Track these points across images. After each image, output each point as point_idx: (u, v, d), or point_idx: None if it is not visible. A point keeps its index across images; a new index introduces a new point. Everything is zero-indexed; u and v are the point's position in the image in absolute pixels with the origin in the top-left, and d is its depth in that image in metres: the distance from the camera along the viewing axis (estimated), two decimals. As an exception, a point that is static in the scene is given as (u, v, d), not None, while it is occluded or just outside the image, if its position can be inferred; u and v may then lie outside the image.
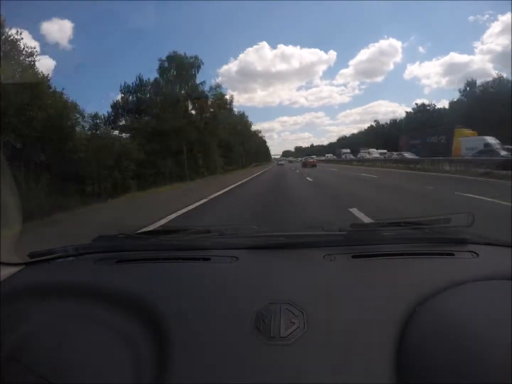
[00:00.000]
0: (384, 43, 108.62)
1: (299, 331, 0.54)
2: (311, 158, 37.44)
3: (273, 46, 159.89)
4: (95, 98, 43.18)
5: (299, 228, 1.46)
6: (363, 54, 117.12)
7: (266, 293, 0.64)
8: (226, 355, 0.51)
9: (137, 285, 0.71)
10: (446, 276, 0.69)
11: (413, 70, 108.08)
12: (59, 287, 0.74)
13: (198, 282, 0.74)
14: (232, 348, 0.53)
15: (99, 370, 0.52)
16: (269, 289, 0.67)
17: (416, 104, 45.48)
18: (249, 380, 0.48)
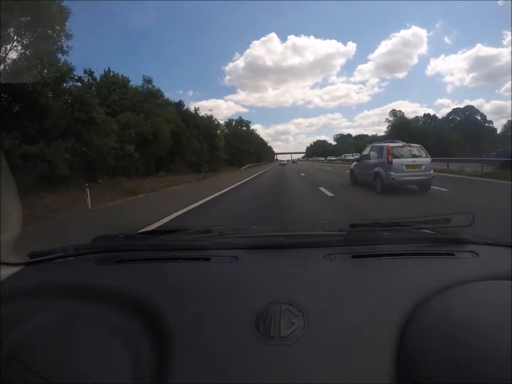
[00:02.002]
0: (407, 33, 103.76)
1: (299, 331, 0.54)
2: (295, 159, 76.18)
3: (283, 37, 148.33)
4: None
5: (299, 228, 1.46)
6: (384, 46, 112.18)
7: (266, 293, 0.64)
8: (226, 355, 0.51)
9: (137, 285, 0.71)
10: (446, 276, 0.69)
11: (437, 65, 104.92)
12: (59, 287, 0.74)
13: (198, 282, 0.73)
14: (232, 348, 0.53)
15: (99, 370, 0.52)
16: (269, 289, 0.67)
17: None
18: (249, 380, 0.48)
